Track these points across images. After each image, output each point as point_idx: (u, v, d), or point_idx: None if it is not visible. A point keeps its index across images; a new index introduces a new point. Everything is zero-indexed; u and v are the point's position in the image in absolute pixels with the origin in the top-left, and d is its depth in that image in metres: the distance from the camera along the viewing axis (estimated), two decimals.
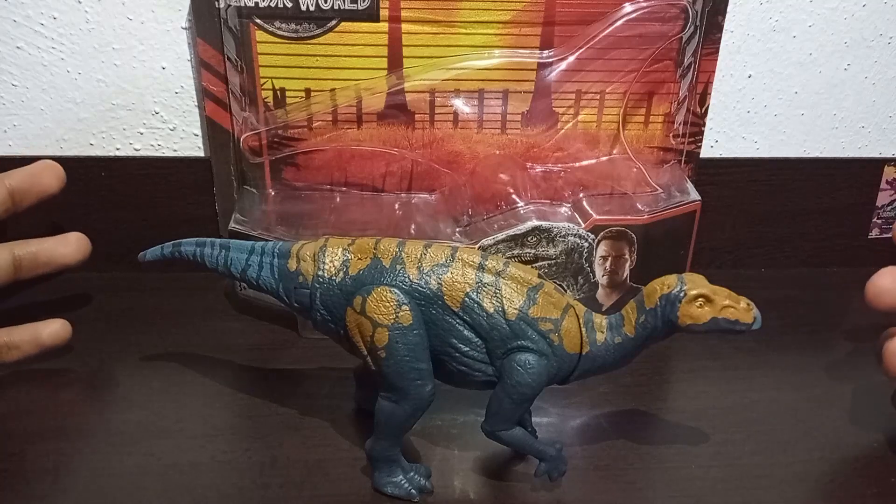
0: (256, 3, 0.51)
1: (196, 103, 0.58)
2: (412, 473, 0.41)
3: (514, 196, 0.54)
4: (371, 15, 0.52)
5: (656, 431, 0.47)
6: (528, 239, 0.52)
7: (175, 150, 0.59)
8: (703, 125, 0.59)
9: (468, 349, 0.39)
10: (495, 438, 0.40)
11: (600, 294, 0.56)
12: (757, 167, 0.63)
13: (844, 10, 0.59)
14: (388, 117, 0.56)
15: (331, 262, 0.40)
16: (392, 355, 0.38)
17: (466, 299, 0.38)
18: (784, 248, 0.67)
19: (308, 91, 0.55)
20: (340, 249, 0.40)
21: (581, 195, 0.56)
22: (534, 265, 0.53)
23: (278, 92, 0.55)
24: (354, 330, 0.39)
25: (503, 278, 0.39)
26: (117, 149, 0.59)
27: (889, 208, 0.66)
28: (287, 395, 0.49)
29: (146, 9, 0.54)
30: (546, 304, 0.39)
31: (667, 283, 0.39)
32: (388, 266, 0.39)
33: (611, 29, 0.53)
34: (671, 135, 0.58)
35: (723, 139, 0.62)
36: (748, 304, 0.39)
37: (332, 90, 0.55)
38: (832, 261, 0.68)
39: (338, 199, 0.57)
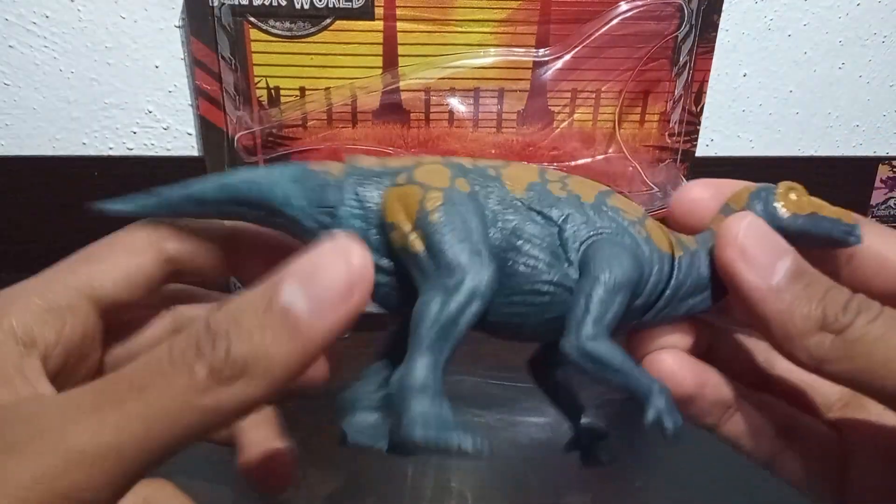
0: (250, 2, 0.51)
1: (190, 102, 0.57)
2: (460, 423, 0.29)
3: None
4: (366, 13, 0.52)
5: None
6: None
7: (169, 150, 0.59)
8: (699, 124, 0.59)
9: (536, 239, 0.30)
10: (587, 356, 0.29)
11: None
12: (752, 166, 0.63)
13: (839, 8, 0.59)
14: (383, 116, 0.55)
15: (366, 160, 0.33)
16: (449, 216, 0.29)
17: (531, 186, 0.31)
18: None
19: (303, 90, 0.54)
20: (375, 158, 0.33)
21: None
22: None
23: (273, 91, 0.54)
24: (396, 205, 0.30)
25: (569, 179, 0.32)
26: (110, 148, 0.58)
27: (883, 206, 0.67)
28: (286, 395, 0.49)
29: (139, 7, 0.54)
30: (622, 201, 0.32)
31: (751, 185, 0.33)
32: (437, 160, 0.32)
33: (606, 27, 0.53)
34: (667, 133, 0.58)
35: (718, 138, 0.62)
36: (844, 210, 0.33)
37: (327, 89, 0.54)
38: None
39: None
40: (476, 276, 0.28)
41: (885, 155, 0.65)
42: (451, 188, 0.30)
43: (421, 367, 0.27)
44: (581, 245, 0.30)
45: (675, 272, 0.31)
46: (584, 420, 0.34)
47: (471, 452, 0.26)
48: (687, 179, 0.58)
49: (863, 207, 0.66)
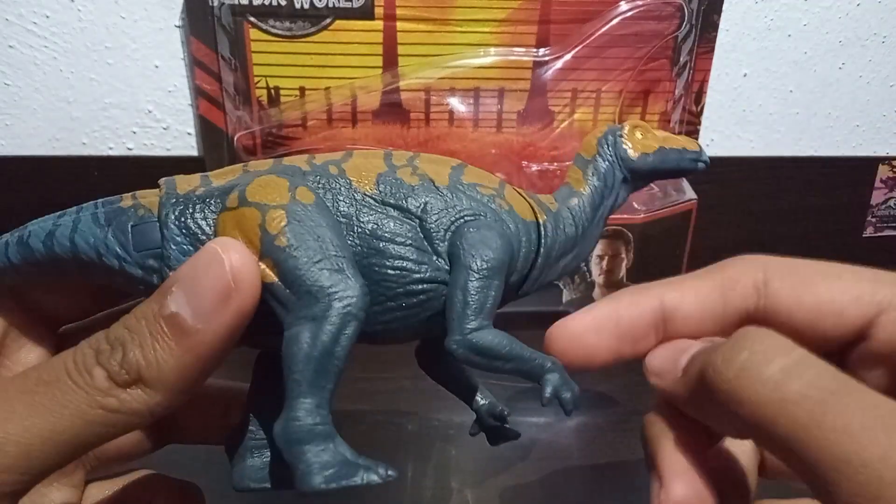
0: (250, 2, 0.51)
1: (189, 102, 0.57)
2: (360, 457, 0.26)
3: None
4: (366, 13, 0.52)
5: None
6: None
7: (168, 150, 0.59)
8: (699, 124, 0.59)
9: (399, 237, 0.28)
10: (474, 350, 0.27)
11: (597, 294, 0.56)
12: (752, 166, 0.63)
13: (839, 8, 0.59)
14: (383, 116, 0.55)
15: (184, 182, 0.28)
16: (298, 237, 0.26)
17: (380, 177, 0.28)
18: (779, 246, 0.67)
19: (302, 90, 0.54)
20: (196, 176, 0.29)
21: None
22: None
23: (272, 90, 0.54)
24: (233, 234, 0.26)
25: (418, 160, 0.30)
26: (110, 148, 0.58)
27: (883, 207, 0.67)
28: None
29: (139, 7, 0.54)
30: (476, 174, 0.31)
31: (597, 131, 0.34)
32: (267, 167, 0.28)
33: (606, 27, 0.53)
34: None
35: (718, 138, 0.62)
36: (687, 137, 0.35)
37: (327, 89, 0.54)
38: (827, 259, 0.68)
39: None
40: (343, 296, 0.25)
41: (885, 155, 0.65)
42: (294, 202, 0.26)
43: (304, 412, 0.25)
44: (446, 233, 0.28)
45: (542, 238, 0.30)
46: (482, 402, 0.34)
47: (380, 482, 0.25)
48: (687, 179, 0.58)
49: (863, 207, 0.66)
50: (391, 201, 0.28)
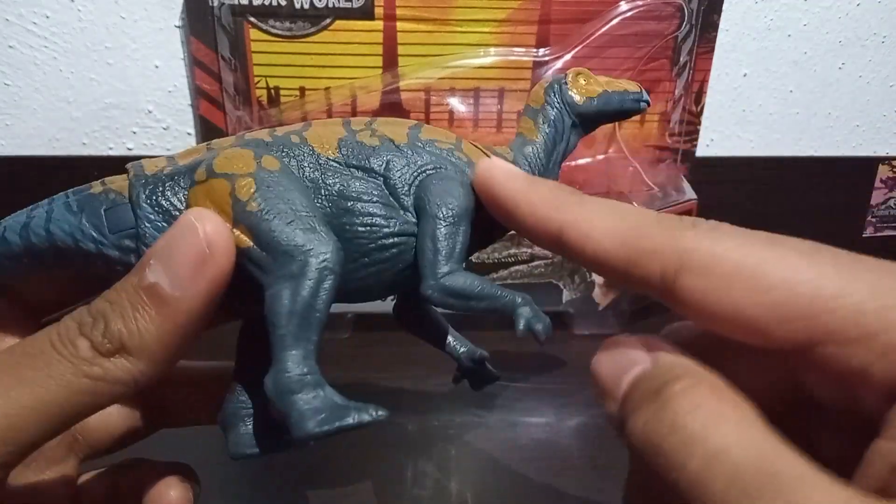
0: (250, 2, 0.51)
1: (190, 102, 0.57)
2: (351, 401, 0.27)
3: None
4: (366, 13, 0.52)
5: None
6: (525, 238, 0.52)
7: (168, 150, 0.59)
8: (699, 124, 0.59)
9: (365, 196, 0.29)
10: (448, 293, 0.29)
11: (597, 293, 0.56)
12: (752, 166, 0.63)
13: (839, 8, 0.59)
14: (383, 116, 0.55)
15: (151, 164, 0.29)
16: (269, 201, 0.27)
17: (341, 142, 0.30)
18: None
19: (302, 90, 0.54)
20: (162, 157, 0.30)
21: None
22: (530, 264, 0.53)
23: (272, 91, 0.54)
24: (205, 204, 0.27)
25: (375, 124, 0.31)
26: (110, 148, 0.58)
27: (883, 207, 0.67)
28: None
29: (139, 7, 0.54)
30: (433, 131, 0.32)
31: (543, 81, 0.35)
32: (230, 142, 0.30)
33: (606, 27, 0.53)
34: (667, 133, 0.58)
35: (718, 138, 0.62)
36: (628, 80, 0.36)
37: (327, 89, 0.54)
38: None
39: None
40: (318, 252, 0.27)
41: (885, 155, 0.65)
42: (260, 169, 0.28)
43: (292, 363, 0.26)
44: (410, 188, 0.30)
45: None
46: (461, 350, 0.36)
47: (371, 422, 0.25)
48: (687, 179, 0.58)
49: (863, 207, 0.66)
50: (354, 163, 0.29)
